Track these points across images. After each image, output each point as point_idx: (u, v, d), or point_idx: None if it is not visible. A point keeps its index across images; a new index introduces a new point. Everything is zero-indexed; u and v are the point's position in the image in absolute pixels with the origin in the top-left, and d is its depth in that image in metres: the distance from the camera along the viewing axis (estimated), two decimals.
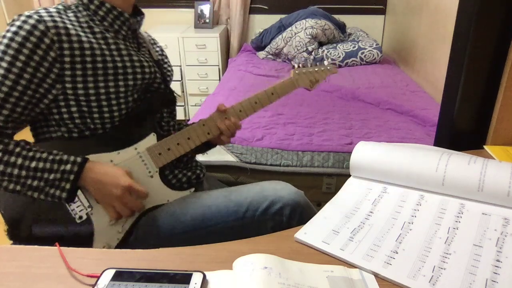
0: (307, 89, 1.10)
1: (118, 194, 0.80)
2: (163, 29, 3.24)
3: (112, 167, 0.83)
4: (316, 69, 1.10)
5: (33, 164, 0.77)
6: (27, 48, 0.75)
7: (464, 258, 0.55)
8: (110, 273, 0.52)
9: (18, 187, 0.77)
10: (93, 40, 0.82)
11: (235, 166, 1.53)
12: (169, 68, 1.08)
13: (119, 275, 0.52)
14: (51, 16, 0.78)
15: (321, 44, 2.96)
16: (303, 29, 2.86)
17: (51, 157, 0.79)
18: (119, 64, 0.85)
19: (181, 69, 3.11)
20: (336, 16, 3.10)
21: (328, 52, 2.82)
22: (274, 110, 1.95)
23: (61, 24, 0.78)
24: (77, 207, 0.82)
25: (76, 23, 0.82)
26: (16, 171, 0.76)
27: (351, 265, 0.56)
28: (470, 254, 0.56)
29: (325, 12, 3.01)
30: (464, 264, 0.54)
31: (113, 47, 0.85)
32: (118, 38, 0.88)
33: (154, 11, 3.43)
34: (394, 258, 0.56)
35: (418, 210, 0.67)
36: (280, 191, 0.91)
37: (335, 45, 2.90)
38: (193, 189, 0.95)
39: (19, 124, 0.81)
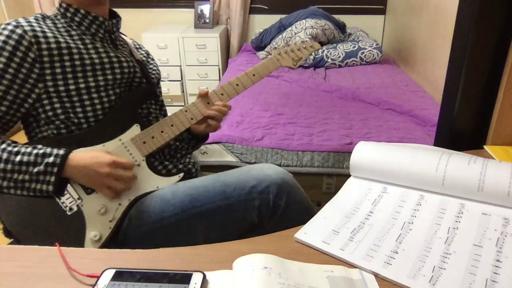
0: (291, 67, 1.10)
1: (106, 171, 0.83)
2: (163, 29, 3.24)
3: (91, 151, 0.86)
4: (297, 48, 1.10)
5: (18, 158, 0.80)
6: (7, 51, 0.80)
7: (464, 258, 0.55)
8: (110, 273, 0.52)
9: (5, 183, 0.80)
10: (70, 41, 0.87)
11: (235, 166, 1.53)
12: (154, 68, 1.12)
13: (119, 275, 0.52)
14: (28, 22, 0.84)
15: (321, 44, 2.96)
16: (303, 29, 2.86)
17: (35, 151, 0.81)
18: (96, 60, 0.89)
19: (181, 69, 3.11)
20: (336, 16, 3.10)
21: (328, 52, 2.82)
22: (274, 110, 1.95)
23: (38, 28, 0.84)
24: (66, 199, 0.84)
25: (53, 28, 0.87)
26: (1, 165, 0.79)
27: (351, 265, 0.56)
28: (470, 254, 0.56)
29: (325, 12, 3.01)
30: (464, 264, 0.54)
31: (90, 46, 0.90)
32: (95, 40, 0.92)
33: (154, 11, 3.43)
34: (394, 258, 0.56)
35: (418, 210, 0.67)
36: (267, 170, 0.91)
37: (335, 45, 2.90)
38: (182, 174, 0.96)
39: (5, 125, 0.85)
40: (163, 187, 0.92)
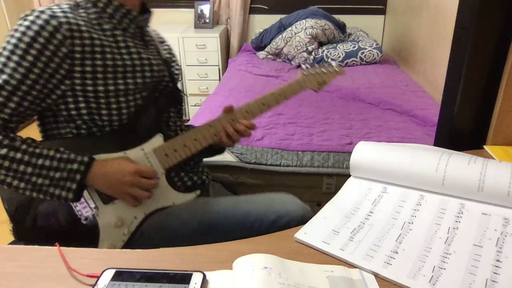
0: (315, 90, 1.09)
1: (129, 179, 0.80)
2: (163, 29, 3.22)
3: (114, 159, 0.83)
4: (324, 70, 1.08)
5: (40, 161, 0.76)
6: (39, 42, 0.74)
7: (464, 258, 0.55)
8: (110, 273, 0.52)
9: (22, 184, 0.76)
10: (103, 37, 0.82)
11: (235, 166, 1.53)
12: (177, 67, 1.07)
13: (119, 275, 0.52)
14: (64, 12, 0.78)
15: (321, 44, 2.96)
16: (303, 29, 2.86)
17: (58, 155, 0.78)
18: (128, 62, 0.85)
19: (181, 69, 3.11)
20: (336, 16, 3.09)
21: (328, 52, 2.82)
22: (274, 110, 1.95)
23: (73, 21, 0.78)
24: (83, 208, 0.82)
25: (86, 19, 0.82)
26: (22, 167, 0.75)
27: (351, 265, 0.56)
28: (470, 254, 0.56)
29: (325, 12, 3.01)
30: (464, 264, 0.54)
31: (122, 44, 0.85)
32: (126, 36, 0.88)
33: (154, 11, 3.39)
34: (394, 258, 0.56)
35: (418, 210, 0.67)
36: (288, 205, 0.91)
37: (335, 45, 2.90)
38: (199, 192, 0.93)
39: (23, 118, 0.80)
40: (179, 204, 0.90)
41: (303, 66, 1.07)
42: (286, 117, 1.86)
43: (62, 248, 0.58)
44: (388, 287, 0.52)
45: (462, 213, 0.65)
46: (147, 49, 0.93)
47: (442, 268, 0.54)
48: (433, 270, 0.53)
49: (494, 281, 0.51)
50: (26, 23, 0.75)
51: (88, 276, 0.53)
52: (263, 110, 1.01)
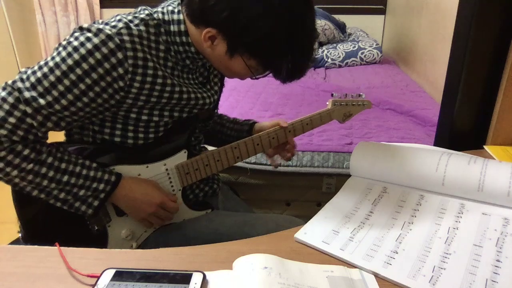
0: (339, 121, 1.08)
1: (152, 210, 0.80)
2: None
3: (142, 183, 0.81)
4: (352, 102, 1.05)
5: (65, 178, 0.74)
6: (97, 73, 0.68)
7: (464, 258, 0.55)
8: (110, 273, 0.52)
9: (43, 195, 0.74)
10: (167, 75, 0.76)
11: (235, 166, 1.52)
12: (219, 85, 0.99)
13: (119, 275, 0.52)
14: (133, 42, 0.70)
15: (321, 44, 2.96)
16: None
17: (84, 171, 0.75)
18: (183, 102, 0.81)
19: None
20: (336, 16, 3.10)
21: (328, 52, 2.82)
22: (274, 110, 1.95)
23: (140, 54, 0.71)
24: (96, 219, 0.81)
25: (154, 53, 0.74)
26: (45, 182, 0.72)
27: (351, 265, 0.56)
28: (470, 254, 0.56)
29: (325, 12, 3.02)
30: (464, 264, 0.54)
31: (181, 81, 0.80)
32: (188, 72, 0.83)
33: None
34: (394, 258, 0.56)
35: (418, 210, 0.67)
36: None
37: (335, 45, 2.90)
38: (209, 210, 0.92)
39: (59, 128, 0.76)
40: (188, 219, 0.90)
41: (334, 94, 1.05)
42: (286, 117, 1.86)
43: (62, 248, 0.58)
44: (388, 287, 0.52)
45: (462, 213, 0.65)
46: (207, 86, 0.88)
47: (442, 268, 0.54)
48: (433, 270, 0.53)
49: (494, 281, 0.51)
50: (89, 46, 0.68)
51: (88, 276, 0.53)
52: (288, 137, 1.00)
